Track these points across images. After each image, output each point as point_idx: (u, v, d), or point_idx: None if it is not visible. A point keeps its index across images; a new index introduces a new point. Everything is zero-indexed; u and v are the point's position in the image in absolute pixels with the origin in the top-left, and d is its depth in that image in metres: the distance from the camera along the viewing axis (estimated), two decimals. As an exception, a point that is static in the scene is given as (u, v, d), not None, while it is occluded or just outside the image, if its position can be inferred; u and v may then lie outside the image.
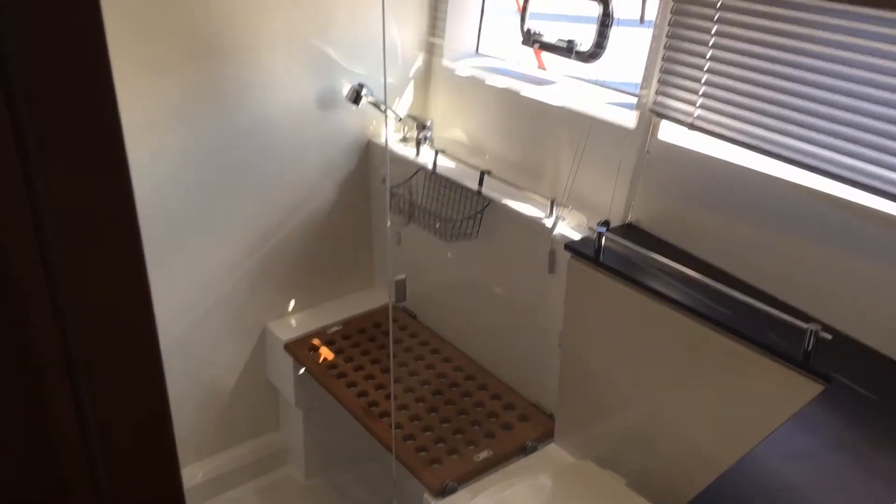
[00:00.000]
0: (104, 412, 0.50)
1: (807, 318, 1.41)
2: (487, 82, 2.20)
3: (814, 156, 1.44)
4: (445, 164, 2.19)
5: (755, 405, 1.44)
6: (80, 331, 0.48)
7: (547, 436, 1.98)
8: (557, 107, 1.97)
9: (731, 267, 1.62)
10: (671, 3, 1.66)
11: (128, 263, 0.48)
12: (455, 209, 2.11)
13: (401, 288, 1.60)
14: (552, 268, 1.89)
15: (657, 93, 1.72)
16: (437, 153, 2.19)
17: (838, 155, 1.40)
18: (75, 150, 0.46)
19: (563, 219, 1.88)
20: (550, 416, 2.02)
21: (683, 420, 1.60)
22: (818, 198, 1.45)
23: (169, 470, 0.54)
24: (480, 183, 2.04)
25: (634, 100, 1.81)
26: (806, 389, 1.33)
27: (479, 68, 2.28)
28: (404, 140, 2.38)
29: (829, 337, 1.36)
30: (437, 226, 2.10)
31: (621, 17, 1.87)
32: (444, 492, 1.81)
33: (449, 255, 2.23)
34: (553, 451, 1.93)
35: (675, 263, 1.61)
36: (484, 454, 1.91)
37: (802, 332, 1.40)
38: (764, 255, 1.56)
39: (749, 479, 1.10)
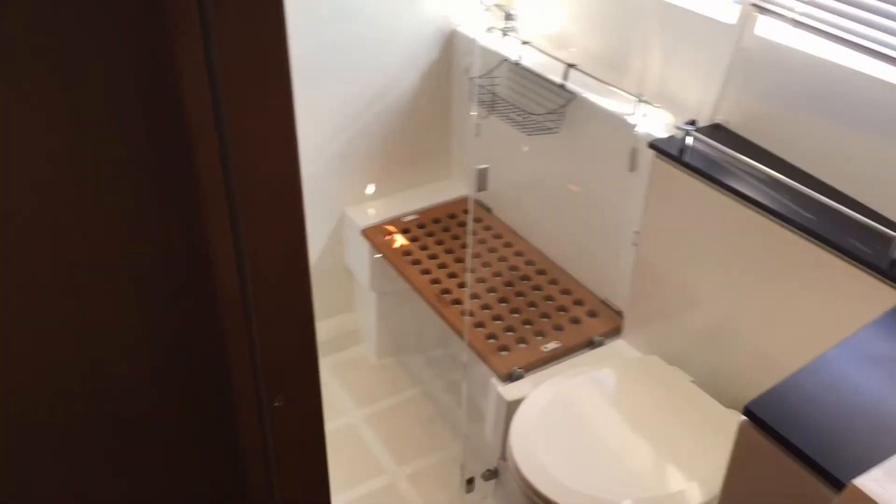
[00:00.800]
0: (254, 239, 0.57)
1: (896, 226, 1.38)
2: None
3: (924, 58, 1.37)
4: (530, 57, 2.15)
5: (833, 312, 1.43)
6: (239, 163, 0.55)
7: (615, 332, 2.02)
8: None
9: (821, 172, 1.58)
10: None
11: (281, 108, 0.53)
12: (538, 102, 2.09)
13: (483, 177, 1.62)
14: (633, 166, 1.87)
15: (760, -14, 1.64)
16: (522, 44, 2.15)
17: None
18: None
19: (648, 116, 1.84)
20: (619, 314, 2.05)
21: (757, 323, 1.61)
22: (924, 103, 1.39)
23: (304, 292, 0.61)
24: (565, 77, 2.01)
25: (735, -6, 1.73)
26: (888, 298, 1.31)
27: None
28: (490, 30, 2.34)
29: (919, 246, 1.33)
30: (520, 119, 2.09)
31: None
32: (510, 377, 1.88)
33: (527, 149, 2.22)
34: (620, 347, 1.97)
35: (762, 166, 1.58)
36: (552, 345, 1.96)
37: (890, 240, 1.37)
38: (857, 161, 1.51)
39: (820, 378, 1.11)
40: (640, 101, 1.84)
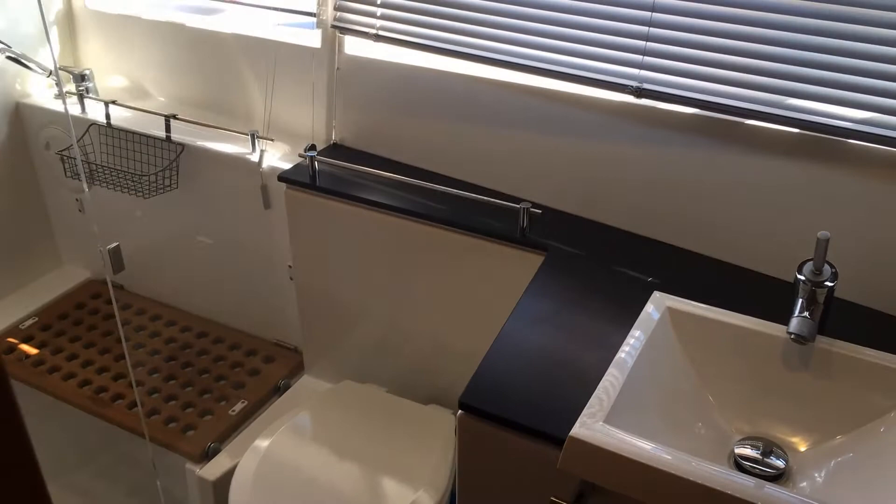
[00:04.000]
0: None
1: (517, 200, 1.54)
2: (145, 17, 2.00)
3: (488, 48, 1.54)
4: (121, 115, 1.98)
5: (491, 289, 1.56)
6: None
7: (298, 371, 1.98)
8: (233, 35, 1.87)
9: (441, 167, 1.71)
10: (331, -85, 1.64)
11: None
12: (146, 162, 1.94)
13: (117, 256, 1.44)
14: (268, 203, 1.84)
15: (336, 8, 1.70)
16: (107, 105, 1.97)
17: (514, 46, 1.51)
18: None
19: (268, 151, 1.82)
20: (296, 351, 2.01)
21: (426, 317, 1.69)
22: (502, 87, 1.57)
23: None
24: (168, 129, 1.89)
25: (314, 19, 1.78)
26: (531, 262, 1.47)
27: (133, 3, 2.06)
28: (63, 96, 2.10)
29: (539, 212, 1.50)
30: (130, 183, 1.91)
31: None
32: (206, 455, 1.73)
33: (141, 213, 2.05)
34: (308, 383, 1.94)
35: (388, 173, 1.65)
36: (239, 406, 1.85)
37: (516, 212, 1.53)
38: (466, 150, 1.66)
39: (507, 353, 1.20)
40: (256, 137, 1.80)
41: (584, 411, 1.06)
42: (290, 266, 1.88)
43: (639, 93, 1.39)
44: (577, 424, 1.03)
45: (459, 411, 1.13)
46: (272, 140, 1.83)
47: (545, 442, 1.06)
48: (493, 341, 1.23)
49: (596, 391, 1.09)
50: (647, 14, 1.34)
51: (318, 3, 1.71)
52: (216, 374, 1.95)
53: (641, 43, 1.37)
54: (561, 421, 1.06)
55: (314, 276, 1.80)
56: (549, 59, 1.47)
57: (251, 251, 1.94)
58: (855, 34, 1.19)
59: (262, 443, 1.61)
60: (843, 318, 1.26)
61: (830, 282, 1.16)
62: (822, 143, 1.28)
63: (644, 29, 1.36)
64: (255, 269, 1.96)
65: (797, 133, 1.30)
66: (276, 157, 1.81)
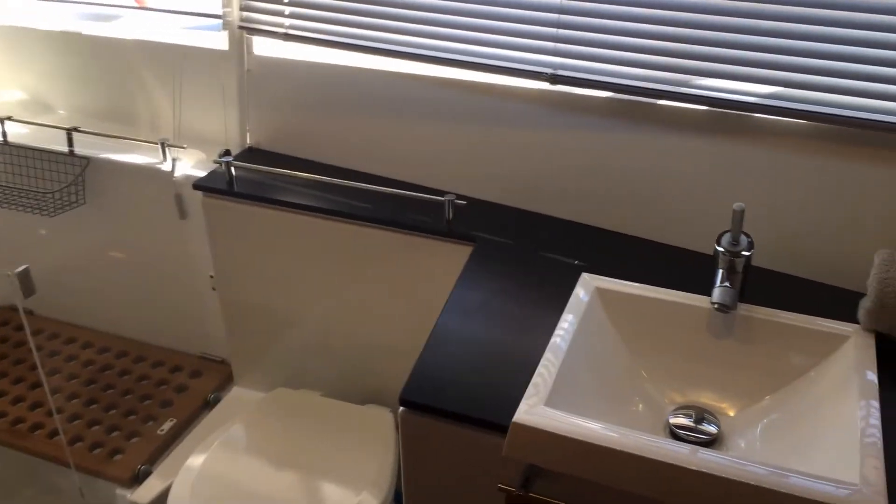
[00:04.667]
0: None
1: (442, 193, 1.54)
2: (40, 28, 1.91)
3: (401, 43, 1.53)
4: (19, 132, 1.88)
5: (423, 284, 1.56)
6: None
7: (227, 383, 1.92)
8: (134, 41, 1.80)
9: (363, 165, 1.69)
10: (230, -87, 1.60)
11: None
12: (48, 178, 1.85)
13: (26, 280, 1.37)
14: (183, 213, 1.78)
15: (242, 8, 1.66)
16: (2, 122, 1.86)
17: (427, 39, 1.51)
18: None
19: (181, 159, 1.76)
20: (223, 362, 1.96)
21: (360, 318, 1.67)
22: (418, 81, 1.56)
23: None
24: (70, 143, 1.80)
25: (220, 21, 1.73)
26: (459, 254, 1.47)
27: (25, 13, 1.96)
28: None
29: (464, 203, 1.51)
30: (32, 202, 1.82)
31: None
32: (137, 479, 1.67)
33: (45, 231, 1.95)
34: (239, 394, 1.89)
35: (309, 174, 1.63)
36: (168, 425, 1.79)
37: (441, 205, 1.53)
38: (387, 146, 1.65)
39: (444, 346, 1.20)
40: (167, 146, 1.74)
41: (525, 397, 1.06)
42: (211, 276, 1.82)
43: (554, 79, 1.41)
44: (519, 410, 1.04)
45: (401, 408, 1.12)
46: (184, 147, 1.77)
47: (489, 431, 1.07)
48: (429, 335, 1.23)
49: (534, 376, 1.10)
50: (556, 1, 1.36)
51: (223, 4, 1.67)
52: (141, 394, 1.88)
53: (553, 30, 1.39)
54: (503, 408, 1.06)
55: (238, 284, 1.75)
56: (463, 51, 1.48)
57: (169, 264, 1.88)
58: (753, 11, 1.24)
59: (196, 460, 1.56)
60: (761, 285, 1.31)
61: (747, 251, 1.20)
62: (730, 118, 1.33)
63: (555, 16, 1.37)
64: (174, 282, 1.90)
65: (706, 110, 1.34)
66: (190, 165, 1.76)
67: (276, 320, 1.76)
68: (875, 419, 1.03)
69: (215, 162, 1.66)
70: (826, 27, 1.21)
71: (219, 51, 1.72)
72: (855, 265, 1.31)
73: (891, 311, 1.16)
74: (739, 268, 1.20)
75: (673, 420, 1.19)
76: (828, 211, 1.32)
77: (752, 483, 0.94)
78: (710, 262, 1.26)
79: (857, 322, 1.20)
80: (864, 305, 1.19)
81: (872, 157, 1.26)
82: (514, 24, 1.42)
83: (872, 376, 1.10)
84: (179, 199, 1.76)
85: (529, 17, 1.40)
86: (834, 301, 1.29)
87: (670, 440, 1.07)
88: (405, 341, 1.64)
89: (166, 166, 1.74)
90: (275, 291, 1.73)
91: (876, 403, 1.05)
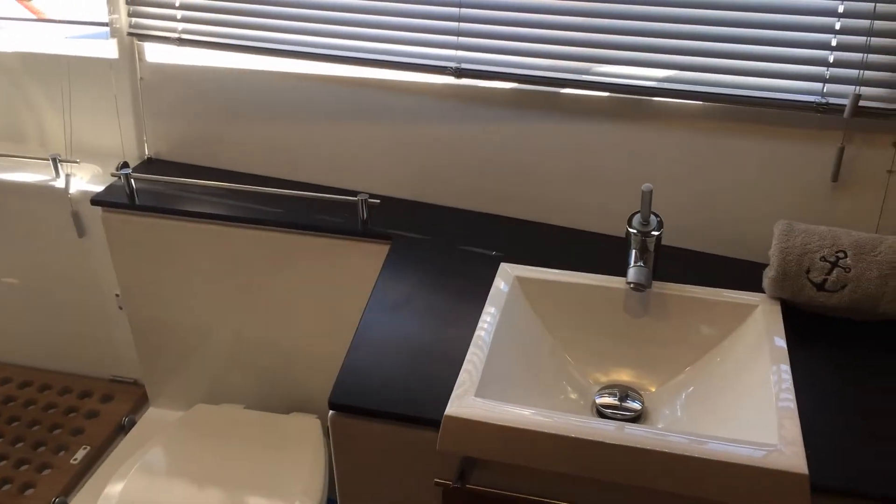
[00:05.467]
0: None
1: (355, 194, 1.52)
2: None
3: (301, 43, 1.51)
4: None
5: (343, 286, 1.54)
6: None
7: (142, 405, 1.85)
8: (15, 54, 1.70)
9: (271, 170, 1.65)
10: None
11: None
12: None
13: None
14: (81, 231, 1.70)
15: (130, 14, 1.59)
16: None
17: (330, 38, 1.49)
18: None
19: (75, 175, 1.68)
20: (136, 383, 1.88)
21: (280, 325, 1.64)
22: (321, 81, 1.54)
23: None
24: (-49, 164, 1.69)
25: (107, 29, 1.65)
26: (377, 253, 1.46)
27: None
28: None
29: (378, 202, 1.50)
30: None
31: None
32: (52, 513, 1.58)
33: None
34: (156, 415, 1.81)
35: (214, 182, 1.58)
36: (81, 453, 1.71)
37: (354, 205, 1.51)
38: (294, 149, 1.61)
39: (370, 346, 1.19)
40: (59, 161, 1.66)
41: (455, 389, 1.07)
42: (117, 295, 1.75)
43: (458, 73, 1.41)
44: (450, 403, 1.04)
45: (330, 412, 1.10)
46: (78, 162, 1.69)
47: (422, 427, 1.06)
48: (354, 336, 1.21)
49: (462, 368, 1.10)
50: (456, -5, 1.37)
51: (110, 11, 1.60)
52: (49, 424, 1.78)
53: (454, 24, 1.39)
54: (434, 403, 1.06)
55: (146, 300, 1.68)
56: (366, 48, 1.46)
57: (70, 285, 1.79)
58: (647, -1, 1.28)
59: (115, 487, 1.49)
60: (672, 264, 1.35)
61: (657, 230, 1.24)
62: (631, 103, 1.37)
63: (455, 10, 1.38)
64: (77, 304, 1.81)
65: (608, 97, 1.38)
66: (85, 180, 1.68)
67: (189, 335, 1.71)
68: (787, 382, 1.08)
69: (113, 175, 1.59)
70: (710, 10, 1.26)
71: (108, 59, 1.65)
72: (758, 237, 1.37)
73: (793, 279, 1.22)
74: (651, 247, 1.24)
75: (599, 400, 1.21)
76: (728, 187, 1.37)
77: (677, 453, 0.97)
78: (622, 244, 1.29)
79: (762, 291, 1.26)
80: (768, 274, 1.25)
81: (765, 133, 1.32)
82: (416, 20, 1.41)
83: (781, 342, 1.15)
84: (76, 217, 1.67)
85: (432, 11, 1.40)
86: (741, 273, 1.34)
87: (597, 419, 1.10)
88: (327, 345, 1.61)
89: (60, 183, 1.66)
90: (185, 305, 1.67)
91: (787, 367, 1.10)
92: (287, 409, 1.72)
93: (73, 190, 1.65)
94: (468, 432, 1.02)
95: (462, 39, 1.40)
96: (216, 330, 1.68)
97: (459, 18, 1.38)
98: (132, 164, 1.69)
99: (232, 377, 1.74)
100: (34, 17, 1.96)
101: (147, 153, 1.71)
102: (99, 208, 1.59)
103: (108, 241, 1.62)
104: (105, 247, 1.67)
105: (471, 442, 1.03)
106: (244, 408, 1.72)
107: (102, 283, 1.76)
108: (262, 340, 1.67)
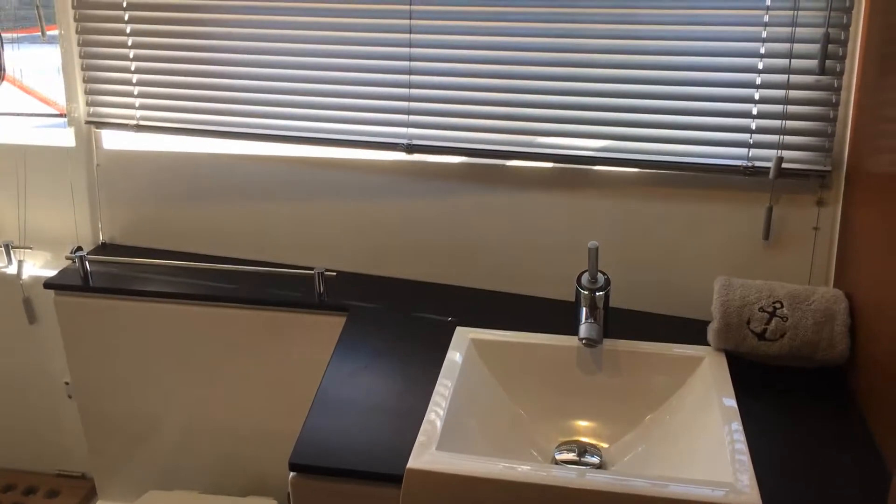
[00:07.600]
0: None
1: (310, 268, 1.55)
2: None
3: (258, 126, 1.57)
4: None
5: (300, 360, 1.54)
6: None
7: (90, 497, 1.78)
8: (-30, 145, 1.73)
9: (226, 251, 1.67)
10: (72, 12, 1.59)
11: None
12: None
13: None
14: (32, 317, 1.68)
15: (89, 104, 1.64)
16: None
17: (284, 121, 1.55)
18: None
19: (27, 261, 1.67)
20: (84, 477, 1.82)
21: (235, 405, 1.62)
22: (276, 162, 1.59)
23: None
24: None
25: (64, 119, 1.69)
26: (334, 325, 1.47)
27: None
28: None
29: (334, 274, 1.53)
30: None
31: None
32: None
33: None
34: (106, 507, 1.75)
35: (169, 261, 1.59)
36: (24, 551, 1.63)
37: (311, 278, 1.54)
38: (251, 229, 1.64)
39: (329, 410, 1.19)
40: (11, 248, 1.66)
41: (416, 444, 1.07)
42: (67, 383, 1.72)
43: (409, 149, 1.48)
44: (412, 457, 1.05)
45: (291, 473, 1.09)
46: (31, 249, 1.69)
47: (384, 483, 1.06)
48: (314, 400, 1.21)
49: (422, 425, 1.12)
50: (405, 77, 1.45)
51: (68, 100, 1.64)
52: (-10, 524, 1.70)
53: (405, 104, 1.47)
54: (395, 460, 1.06)
55: (98, 387, 1.65)
56: (322, 129, 1.53)
57: (17, 374, 1.75)
58: (581, 76, 1.39)
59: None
60: (620, 323, 1.40)
61: (605, 288, 1.29)
62: (573, 172, 1.45)
63: (405, 91, 1.46)
64: (23, 394, 1.76)
65: (552, 167, 1.46)
66: (37, 266, 1.68)
67: (141, 420, 1.67)
68: (738, 429, 1.12)
69: (67, 258, 1.59)
70: (642, 85, 1.37)
71: (65, 147, 1.68)
72: (698, 295, 1.43)
73: (735, 330, 1.28)
74: (600, 304, 1.29)
75: (559, 456, 1.23)
76: (667, 249, 1.45)
77: (640, 494, 0.99)
78: (572, 307, 1.34)
79: (707, 344, 1.31)
80: (712, 327, 1.30)
81: (698, 196, 1.41)
82: (369, 101, 1.49)
83: (729, 390, 1.20)
84: (27, 303, 1.66)
85: (384, 93, 1.48)
86: (686, 329, 1.40)
87: (560, 467, 1.11)
88: (285, 424, 1.59)
89: (12, 269, 1.65)
90: (139, 390, 1.64)
91: (736, 414, 1.14)
92: (243, 492, 1.68)
93: (24, 276, 1.64)
94: (430, 485, 1.02)
95: (412, 117, 1.48)
96: (170, 414, 1.65)
97: (409, 98, 1.47)
98: (86, 249, 1.69)
99: (185, 461, 1.69)
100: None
101: (101, 238, 1.72)
102: (52, 292, 1.59)
103: (60, 325, 1.61)
104: (55, 333, 1.65)
105: (434, 495, 1.03)
106: (199, 492, 1.68)
107: (51, 372, 1.72)
108: (216, 421, 1.64)
